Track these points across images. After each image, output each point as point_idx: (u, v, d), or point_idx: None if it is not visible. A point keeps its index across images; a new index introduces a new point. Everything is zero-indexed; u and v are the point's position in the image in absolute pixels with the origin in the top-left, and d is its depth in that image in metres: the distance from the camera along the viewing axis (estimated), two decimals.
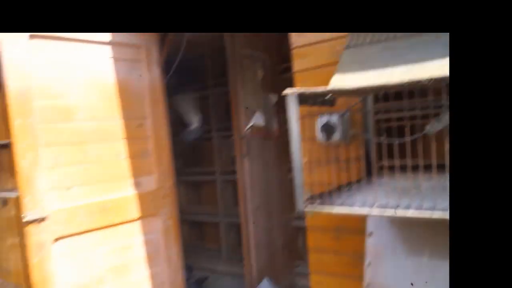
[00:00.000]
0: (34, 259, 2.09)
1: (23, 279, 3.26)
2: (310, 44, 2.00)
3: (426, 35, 1.42)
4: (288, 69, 2.74)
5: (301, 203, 1.33)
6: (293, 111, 1.33)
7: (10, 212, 3.24)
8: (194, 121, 4.01)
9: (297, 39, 2.04)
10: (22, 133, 2.07)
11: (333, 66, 1.68)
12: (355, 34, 1.70)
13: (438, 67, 1.25)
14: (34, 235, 2.08)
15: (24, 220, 2.09)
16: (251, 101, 3.47)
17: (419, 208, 1.22)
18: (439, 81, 1.15)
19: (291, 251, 3.67)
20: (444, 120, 1.37)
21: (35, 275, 2.10)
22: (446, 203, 1.16)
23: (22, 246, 2.22)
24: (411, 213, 1.23)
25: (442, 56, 1.27)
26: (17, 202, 3.15)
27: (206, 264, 4.27)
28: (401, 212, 1.25)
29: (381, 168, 1.86)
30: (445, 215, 1.18)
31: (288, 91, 1.34)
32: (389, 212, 1.27)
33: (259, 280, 3.27)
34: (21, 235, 2.14)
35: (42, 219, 2.11)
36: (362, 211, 1.34)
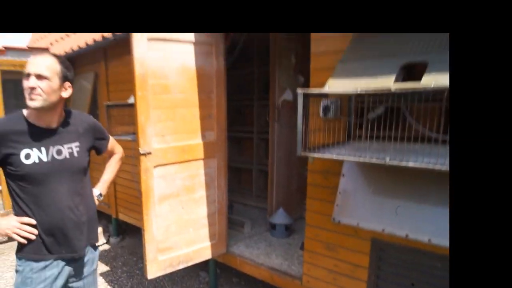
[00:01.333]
0: (143, 177, 2.74)
1: (113, 199, 4.30)
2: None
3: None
4: None
5: (300, 150, 1.88)
6: (301, 103, 1.83)
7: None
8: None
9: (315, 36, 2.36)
10: (141, 100, 2.65)
11: (340, 52, 2.03)
12: (350, 50, 1.99)
13: (387, 80, 1.63)
14: (144, 162, 2.72)
15: (140, 152, 2.70)
16: (285, 80, 3.91)
17: (370, 157, 1.64)
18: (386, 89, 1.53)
19: (303, 193, 3.84)
20: (376, 112, 2.00)
21: (143, 186, 2.76)
22: (382, 155, 1.61)
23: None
24: (362, 159, 1.65)
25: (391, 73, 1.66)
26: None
27: (241, 199, 4.87)
28: (355, 158, 1.68)
29: (359, 137, 2.22)
30: (376, 160, 1.57)
31: (299, 90, 1.82)
32: (349, 158, 1.71)
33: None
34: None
35: (149, 153, 2.74)
36: (334, 156, 1.78)
